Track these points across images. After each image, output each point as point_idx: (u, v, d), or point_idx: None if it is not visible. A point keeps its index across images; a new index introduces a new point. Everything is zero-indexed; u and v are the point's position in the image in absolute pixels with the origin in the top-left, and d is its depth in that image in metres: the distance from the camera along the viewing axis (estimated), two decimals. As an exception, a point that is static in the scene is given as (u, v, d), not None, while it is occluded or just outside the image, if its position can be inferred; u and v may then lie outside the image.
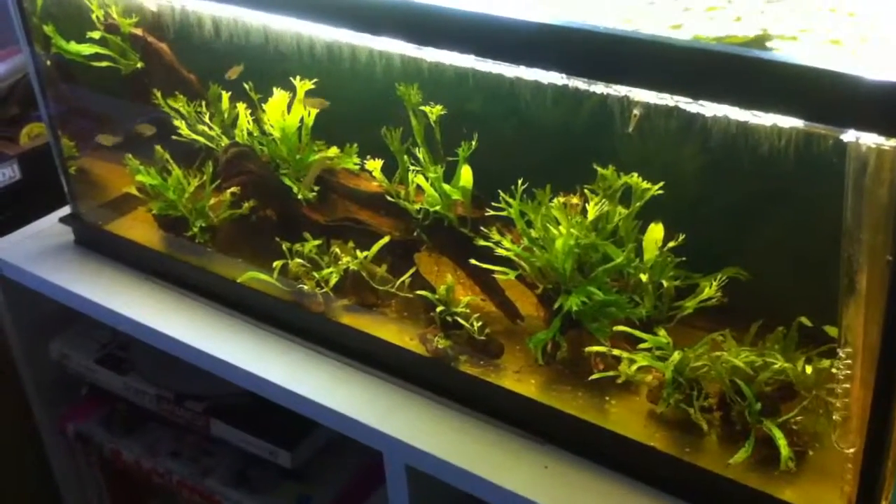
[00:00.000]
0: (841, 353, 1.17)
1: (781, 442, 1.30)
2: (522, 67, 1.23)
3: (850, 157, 1.05)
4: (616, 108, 1.28)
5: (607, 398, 1.49)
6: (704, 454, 1.38)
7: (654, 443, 1.40)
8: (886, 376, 1.09)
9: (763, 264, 1.48)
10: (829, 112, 1.02)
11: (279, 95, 1.75)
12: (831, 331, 1.39)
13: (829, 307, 1.33)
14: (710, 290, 1.49)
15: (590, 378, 1.47)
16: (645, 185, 1.54)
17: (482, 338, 1.57)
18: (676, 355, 1.38)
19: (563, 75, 1.21)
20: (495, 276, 1.58)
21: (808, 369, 1.32)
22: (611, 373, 1.46)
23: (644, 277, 1.53)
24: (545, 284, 1.55)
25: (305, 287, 1.72)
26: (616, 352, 1.45)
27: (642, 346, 1.43)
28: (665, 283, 1.53)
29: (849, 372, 1.16)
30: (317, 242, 1.72)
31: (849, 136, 1.02)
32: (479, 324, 1.57)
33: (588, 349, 1.48)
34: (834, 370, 1.19)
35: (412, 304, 1.67)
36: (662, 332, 1.44)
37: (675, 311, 1.52)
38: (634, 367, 1.42)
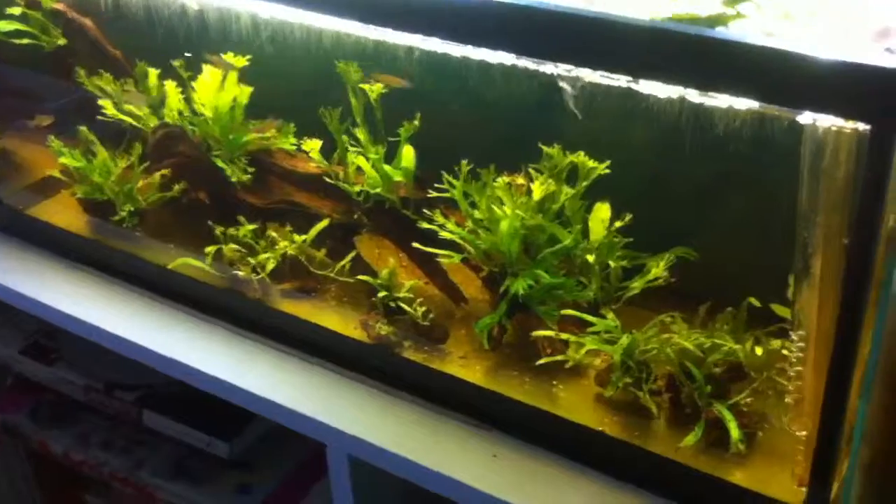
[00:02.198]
0: (794, 337, 1.15)
1: (731, 424, 1.29)
2: (469, 47, 1.18)
3: (806, 139, 1.03)
4: (564, 88, 1.25)
5: (555, 382, 1.46)
6: (654, 438, 1.36)
7: (603, 427, 1.38)
8: (841, 359, 1.08)
9: (714, 245, 1.47)
10: (785, 93, 0.99)
11: (210, 73, 1.67)
12: (779, 310, 1.40)
13: (776, 287, 1.35)
14: (657, 269, 1.47)
15: (538, 363, 1.44)
16: (591, 163, 1.51)
17: (426, 323, 1.53)
18: (625, 339, 1.35)
19: (511, 54, 1.17)
20: (439, 259, 1.54)
21: (759, 350, 1.31)
22: (559, 357, 1.43)
23: (591, 258, 1.51)
24: (490, 267, 1.51)
25: (241, 273, 1.65)
26: (564, 336, 1.42)
27: (591, 329, 1.41)
28: (612, 264, 1.51)
29: (801, 355, 1.15)
30: (252, 227, 1.66)
31: (805, 117, 1.00)
32: (423, 309, 1.53)
33: (535, 333, 1.45)
34: (787, 353, 1.17)
35: (354, 289, 1.62)
36: (611, 315, 1.42)
37: (623, 291, 1.50)
38: (583, 350, 1.40)
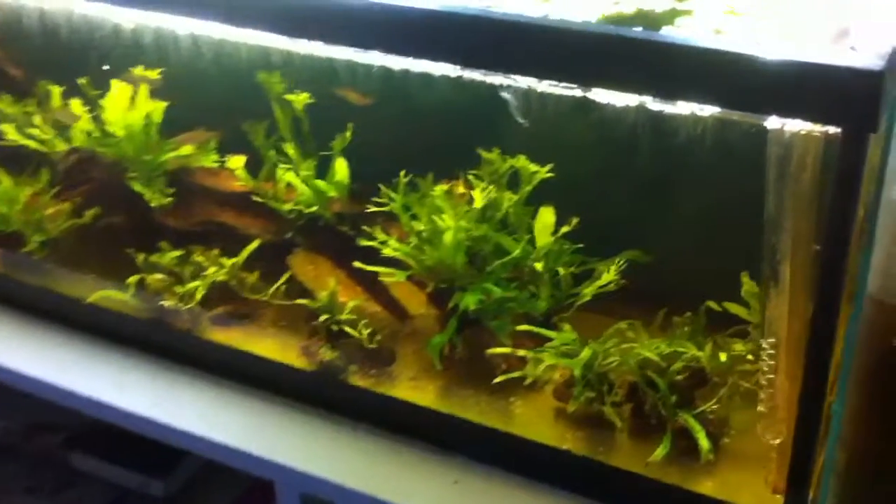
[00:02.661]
0: (764, 345, 1.11)
1: (700, 434, 1.24)
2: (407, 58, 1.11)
3: (772, 143, 0.98)
4: (505, 94, 1.18)
5: (512, 400, 1.40)
6: (621, 452, 1.30)
7: (567, 445, 1.31)
8: (817, 362, 1.03)
9: (668, 247, 1.42)
10: (749, 98, 0.94)
11: (119, 89, 1.55)
12: (734, 309, 1.36)
13: (730, 289, 1.31)
14: (608, 275, 1.42)
15: (494, 381, 1.37)
16: (533, 167, 1.45)
17: (372, 345, 1.44)
18: (586, 352, 1.29)
19: (451, 65, 1.09)
20: (381, 276, 1.46)
21: (723, 356, 1.26)
22: (516, 373, 1.36)
23: (539, 266, 1.44)
24: (436, 282, 1.44)
25: (167, 303, 1.54)
26: (521, 352, 1.35)
27: (550, 344, 1.34)
28: (561, 271, 1.45)
29: (773, 362, 1.11)
30: (177, 253, 1.55)
31: (771, 122, 0.95)
32: (368, 330, 1.45)
33: (491, 351, 1.38)
34: (752, 358, 1.13)
35: (292, 313, 1.52)
36: (568, 328, 1.36)
37: (574, 299, 1.44)
38: (542, 366, 1.33)
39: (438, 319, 1.46)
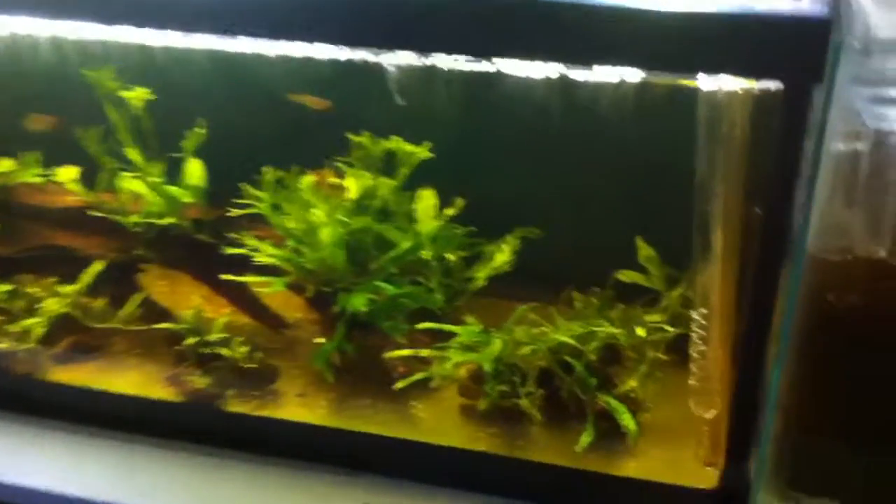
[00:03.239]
0: (695, 315, 1.04)
1: (625, 416, 1.16)
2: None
3: (702, 105, 0.90)
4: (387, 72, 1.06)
5: (415, 404, 1.27)
6: (541, 446, 1.21)
7: (482, 446, 1.21)
8: (757, 330, 0.97)
9: (567, 222, 1.33)
10: (678, 58, 0.85)
11: (-89, 100, 1.31)
12: (632, 276, 1.30)
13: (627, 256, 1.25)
14: (502, 255, 1.32)
15: (394, 387, 1.24)
16: (410, 148, 1.33)
17: (251, 364, 1.28)
18: (496, 344, 1.19)
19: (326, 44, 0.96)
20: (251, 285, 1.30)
21: (641, 330, 1.19)
22: (417, 376, 1.24)
23: (427, 255, 1.33)
24: (316, 285, 1.29)
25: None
26: (424, 352, 1.23)
27: (455, 340, 1.23)
28: (451, 258, 1.34)
29: (704, 333, 1.04)
30: (7, 287, 1.32)
31: (703, 81, 0.87)
32: (244, 348, 1.28)
33: (387, 354, 1.25)
34: (690, 333, 1.06)
35: (151, 339, 1.34)
36: (472, 319, 1.25)
37: (469, 284, 1.34)
38: (449, 364, 1.22)
39: (322, 326, 1.32)
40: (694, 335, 1.05)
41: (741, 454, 1.08)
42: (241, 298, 1.34)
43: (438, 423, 1.24)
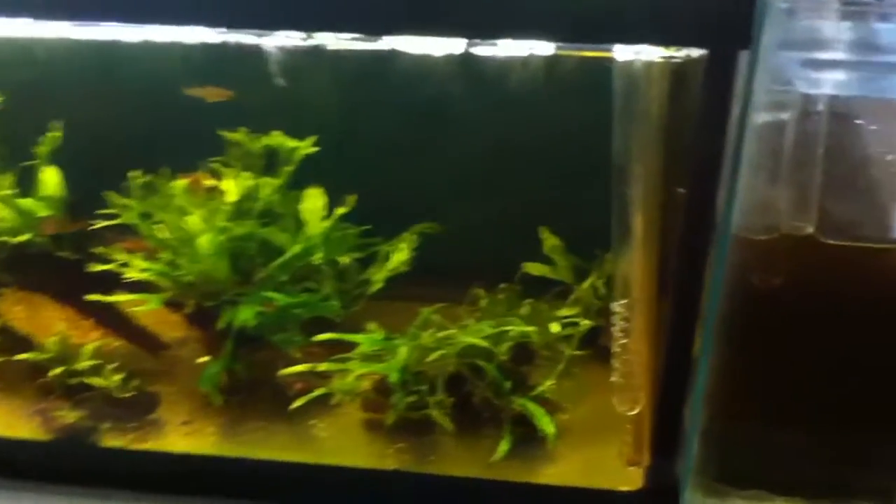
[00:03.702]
0: (616, 308, 0.97)
1: (544, 420, 1.09)
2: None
3: (617, 79, 0.82)
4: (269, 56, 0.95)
5: (314, 423, 1.17)
6: (455, 458, 1.12)
7: (391, 464, 1.11)
8: (683, 318, 0.91)
9: (465, 214, 1.25)
10: (591, 28, 0.77)
11: None
12: (539, 269, 1.23)
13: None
14: (399, 255, 1.23)
15: (290, 407, 1.13)
16: (292, 143, 1.22)
17: (127, 393, 1.15)
18: (402, 352, 1.09)
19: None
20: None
21: (555, 327, 1.12)
22: (317, 392, 1.13)
23: (318, 258, 1.22)
24: (196, 300, 1.17)
25: None
26: (322, 366, 1.12)
27: (356, 350, 1.13)
28: (345, 261, 1.24)
29: (626, 325, 0.97)
30: None
31: (619, 51, 0.80)
32: (120, 375, 1.15)
33: (282, 372, 1.14)
34: (611, 327, 0.99)
35: (11, 372, 1.19)
36: (374, 326, 1.15)
37: (365, 288, 1.24)
38: (352, 377, 1.11)
39: (206, 344, 1.20)
40: (615, 328, 0.98)
41: (668, 450, 1.02)
42: (112, 320, 1.20)
43: (342, 443, 1.14)
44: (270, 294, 1.12)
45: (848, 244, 0.88)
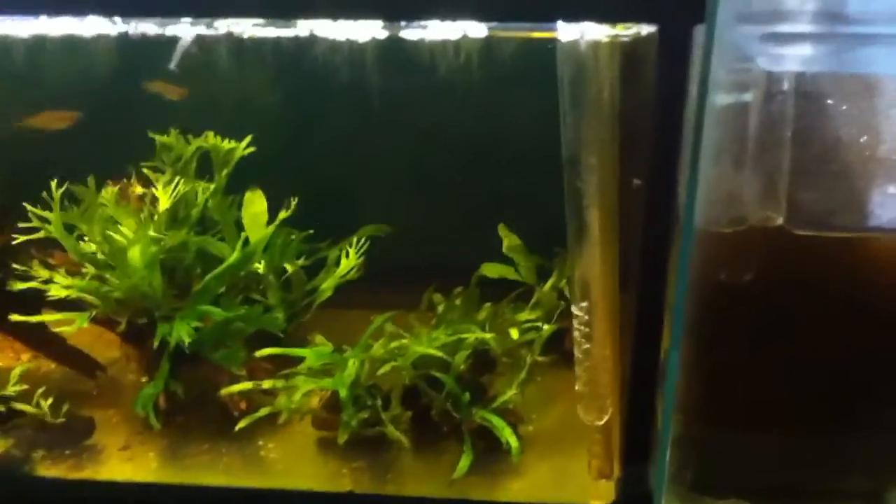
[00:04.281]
0: (576, 311, 0.89)
1: (506, 432, 1.01)
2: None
3: (564, 61, 0.75)
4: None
5: (261, 444, 1.09)
6: (413, 476, 1.04)
7: (346, 485, 1.03)
8: (648, 322, 0.84)
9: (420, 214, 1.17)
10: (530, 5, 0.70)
11: None
12: (497, 271, 1.16)
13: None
14: (348, 261, 1.15)
15: (237, 427, 1.05)
16: (228, 144, 1.14)
17: (59, 419, 1.07)
18: (351, 367, 1.01)
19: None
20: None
21: (514, 333, 1.04)
22: (263, 412, 1.05)
23: (260, 267, 1.14)
24: (130, 316, 1.09)
25: None
26: (267, 383, 1.04)
27: (303, 365, 1.05)
28: (289, 268, 1.16)
29: (587, 329, 0.90)
30: None
31: (563, 30, 0.72)
32: (49, 400, 1.07)
33: (224, 391, 1.06)
34: (572, 332, 0.91)
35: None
36: (320, 339, 1.07)
37: (313, 297, 1.16)
38: (298, 394, 1.03)
39: (142, 364, 1.12)
40: (576, 333, 0.90)
41: (639, 459, 0.95)
42: (40, 341, 1.12)
43: (293, 464, 1.06)
44: (208, 308, 1.04)
45: (821, 234, 0.81)
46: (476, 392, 1.05)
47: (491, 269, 1.18)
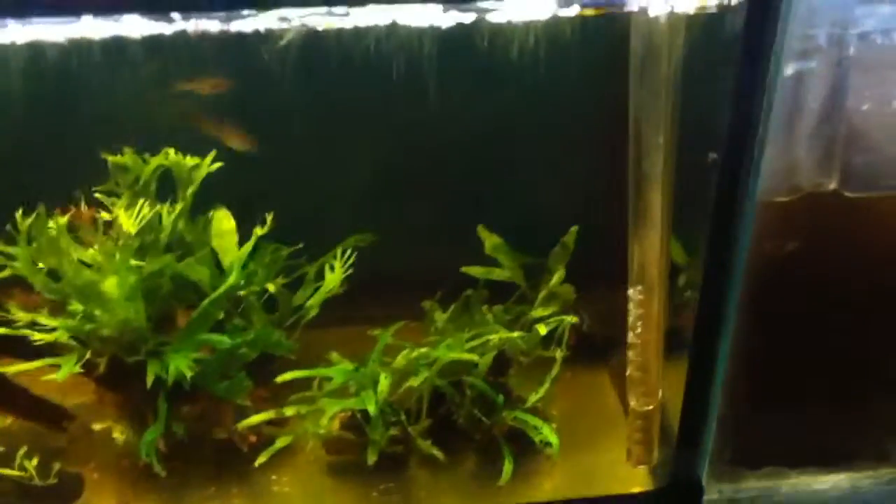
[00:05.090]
0: (632, 293, 0.87)
1: (545, 429, 0.97)
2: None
3: (637, 33, 0.72)
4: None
5: (275, 478, 1.00)
6: (449, 491, 0.99)
7: (379, 508, 0.97)
8: (711, 298, 0.83)
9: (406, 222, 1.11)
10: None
11: None
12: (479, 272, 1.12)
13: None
14: (333, 276, 1.07)
15: (256, 464, 0.96)
16: (191, 160, 1.04)
17: (51, 480, 0.93)
18: (384, 382, 0.94)
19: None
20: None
21: (542, 328, 1.00)
22: (283, 441, 0.96)
23: (252, 288, 1.05)
24: (109, 357, 0.96)
25: None
26: (290, 410, 0.95)
27: (328, 387, 0.96)
28: (271, 288, 1.07)
29: (642, 311, 0.87)
30: None
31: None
32: (34, 461, 0.93)
33: (242, 424, 0.96)
34: (628, 316, 0.89)
35: None
36: (336, 357, 0.99)
37: (300, 315, 1.08)
38: (325, 418, 0.95)
39: (123, 407, 1.00)
40: (631, 317, 0.88)
41: (693, 441, 0.94)
42: (6, 393, 0.98)
43: (316, 495, 0.98)
44: (211, 336, 0.94)
45: (872, 195, 0.83)
46: (505, 395, 1.01)
47: (476, 272, 1.13)
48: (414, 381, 0.94)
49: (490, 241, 1.12)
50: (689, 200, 0.83)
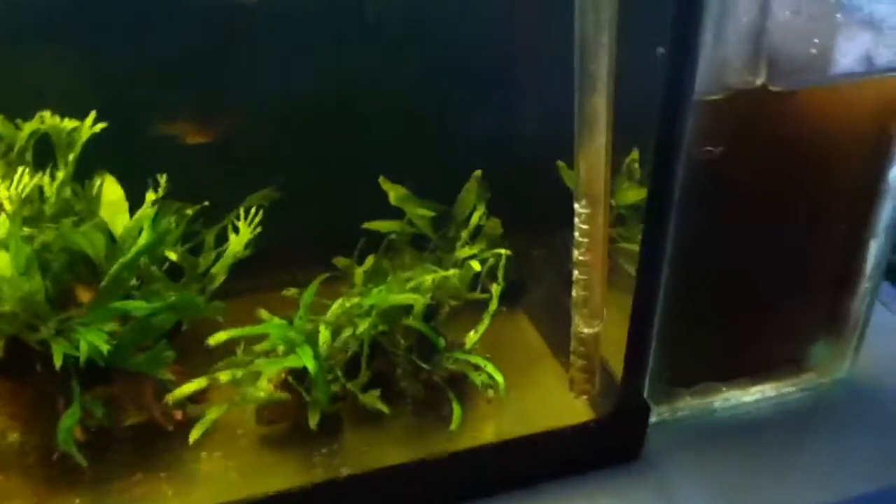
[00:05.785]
0: (579, 209, 0.84)
1: (489, 368, 0.94)
2: None
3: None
4: None
5: (204, 455, 0.91)
6: (398, 443, 0.93)
7: (320, 475, 0.89)
8: (657, 213, 0.83)
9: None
10: None
11: None
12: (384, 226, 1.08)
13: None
14: (238, 239, 1.00)
15: (192, 438, 0.86)
16: (70, 123, 0.95)
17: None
18: (325, 331, 0.87)
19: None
20: None
21: (475, 265, 0.96)
22: (214, 413, 0.88)
23: (139, 258, 0.95)
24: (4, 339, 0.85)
25: None
26: (223, 375, 0.86)
27: (263, 346, 0.88)
28: (172, 255, 0.98)
29: (588, 228, 0.85)
30: None
31: None
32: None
33: (172, 396, 0.86)
34: (575, 234, 0.86)
35: None
36: (266, 314, 0.91)
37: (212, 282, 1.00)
38: (264, 379, 0.87)
39: (17, 398, 0.89)
40: (576, 233, 0.86)
41: (640, 366, 0.93)
42: None
43: (256, 467, 0.90)
44: (127, 304, 0.85)
45: (795, 90, 0.85)
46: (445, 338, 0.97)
47: (378, 226, 1.09)
48: (361, 326, 0.88)
49: (395, 192, 1.07)
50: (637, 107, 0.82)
